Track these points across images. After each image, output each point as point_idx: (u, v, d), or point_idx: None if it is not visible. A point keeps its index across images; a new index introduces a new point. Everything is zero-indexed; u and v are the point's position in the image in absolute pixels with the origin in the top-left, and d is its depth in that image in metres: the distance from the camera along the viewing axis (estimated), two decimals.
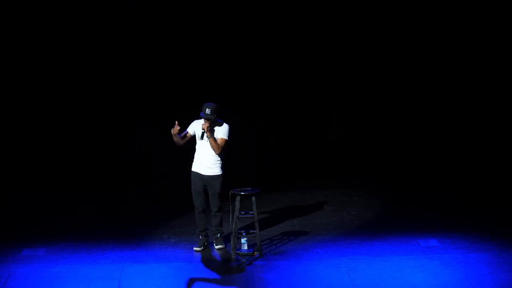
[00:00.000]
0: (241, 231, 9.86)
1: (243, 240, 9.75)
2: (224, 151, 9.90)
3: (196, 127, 9.92)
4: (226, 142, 9.87)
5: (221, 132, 9.86)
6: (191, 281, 9.01)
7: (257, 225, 9.75)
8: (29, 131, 14.25)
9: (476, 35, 14.55)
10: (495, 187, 13.13)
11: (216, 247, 10.03)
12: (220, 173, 9.95)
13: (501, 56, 14.55)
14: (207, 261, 9.65)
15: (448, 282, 8.73)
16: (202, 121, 9.84)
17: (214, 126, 9.83)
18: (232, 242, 9.74)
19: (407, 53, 14.72)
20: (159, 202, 12.74)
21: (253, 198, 9.76)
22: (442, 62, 14.74)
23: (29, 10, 14.00)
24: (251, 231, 9.84)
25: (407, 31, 14.62)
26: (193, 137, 9.99)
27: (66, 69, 14.30)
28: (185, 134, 9.93)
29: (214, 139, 9.76)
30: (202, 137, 9.82)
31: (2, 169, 13.93)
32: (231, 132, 9.92)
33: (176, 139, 9.87)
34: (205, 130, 9.73)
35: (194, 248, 10.01)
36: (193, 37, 14.44)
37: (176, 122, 9.77)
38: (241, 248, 9.75)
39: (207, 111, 9.71)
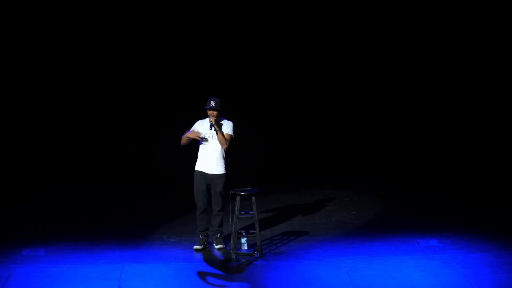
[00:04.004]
0: (241, 231, 9.86)
1: (243, 240, 9.75)
2: (230, 148, 9.94)
3: (199, 126, 9.96)
4: (232, 138, 9.93)
5: (227, 128, 9.93)
6: (191, 281, 9.01)
7: (257, 225, 9.75)
8: (26, 132, 14.27)
9: (476, 35, 14.56)
10: (495, 187, 13.13)
11: (216, 247, 10.03)
12: (224, 172, 9.99)
13: (501, 56, 14.55)
14: (207, 261, 9.65)
15: (448, 282, 8.72)
16: (206, 120, 9.89)
17: (220, 123, 9.88)
18: (232, 242, 9.74)
19: (407, 52, 14.72)
20: (159, 202, 12.74)
21: (253, 198, 9.76)
22: (441, 61, 14.75)
23: (29, 11, 14.01)
24: (251, 231, 9.84)
25: (406, 29, 14.62)
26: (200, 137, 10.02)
27: (73, 71, 14.33)
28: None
29: (222, 132, 9.81)
30: (211, 128, 9.84)
31: (2, 170, 13.95)
32: (236, 129, 9.97)
33: (185, 141, 9.91)
34: (213, 122, 9.77)
35: (194, 247, 10.01)
36: (194, 37, 14.46)
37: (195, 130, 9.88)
38: (241, 248, 9.75)
39: (212, 103, 9.79)
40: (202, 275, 9.18)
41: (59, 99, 14.36)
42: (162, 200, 12.87)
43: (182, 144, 9.99)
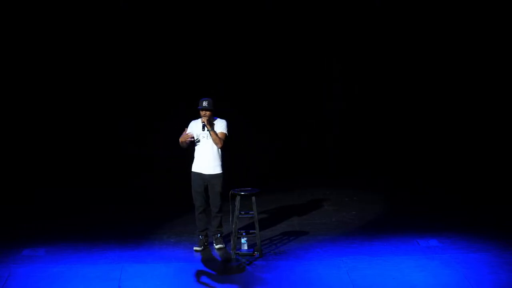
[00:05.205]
0: (241, 231, 9.86)
1: (243, 240, 9.75)
2: (226, 147, 9.93)
3: (194, 127, 9.95)
4: (226, 136, 9.91)
5: (220, 127, 9.90)
6: (191, 281, 9.01)
7: (257, 225, 9.75)
8: (26, 132, 14.27)
9: (476, 35, 14.56)
10: (495, 187, 13.13)
11: (216, 247, 10.03)
12: (220, 172, 9.97)
13: (501, 56, 14.55)
14: (207, 261, 9.65)
15: (448, 282, 8.72)
16: (199, 120, 9.89)
17: (212, 123, 9.87)
18: (232, 242, 9.74)
19: (407, 52, 14.73)
20: (159, 202, 12.74)
21: (253, 198, 9.75)
22: (441, 61, 14.75)
23: (28, 11, 14.01)
24: (251, 231, 9.84)
25: (406, 29, 14.63)
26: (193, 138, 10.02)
27: (73, 71, 14.34)
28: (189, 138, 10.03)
29: (215, 132, 9.80)
30: (203, 129, 9.84)
31: (2, 170, 13.95)
32: (229, 127, 9.95)
33: (183, 144, 9.94)
34: (205, 123, 9.76)
35: (194, 248, 10.02)
36: (194, 38, 14.46)
37: (187, 132, 9.86)
38: (241, 248, 9.75)
39: (205, 103, 9.77)
40: (202, 275, 9.18)
41: (59, 99, 14.37)
42: (162, 200, 12.87)
43: (182, 147, 10.01)
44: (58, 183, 13.77)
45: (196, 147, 10.01)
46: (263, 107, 14.75)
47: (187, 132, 9.91)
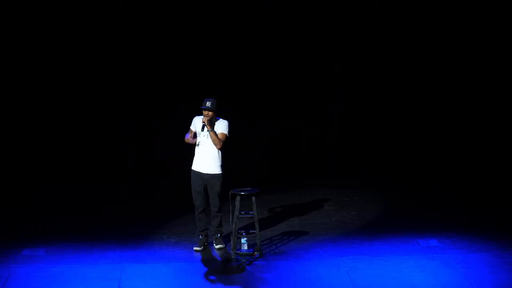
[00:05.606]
0: (241, 231, 9.87)
1: (243, 240, 9.75)
2: (224, 147, 9.92)
3: (197, 122, 9.94)
4: (227, 137, 9.89)
5: (221, 127, 9.89)
6: (191, 281, 9.01)
7: (257, 225, 9.75)
8: (26, 132, 14.28)
9: (476, 35, 14.56)
10: (495, 187, 13.13)
11: (216, 247, 10.03)
12: (220, 173, 9.96)
13: (501, 56, 14.55)
14: (207, 261, 9.65)
15: (448, 282, 8.73)
16: (202, 117, 9.89)
17: (214, 123, 9.86)
18: (232, 242, 9.74)
19: (407, 52, 14.73)
20: (159, 202, 12.74)
21: (253, 198, 9.76)
22: (441, 61, 14.75)
23: (29, 11, 14.02)
24: (251, 231, 9.84)
25: (406, 28, 14.63)
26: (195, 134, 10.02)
27: (73, 71, 14.34)
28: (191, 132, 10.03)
29: (215, 132, 9.79)
30: (202, 129, 9.84)
31: (2, 170, 13.95)
32: (231, 128, 9.94)
33: (189, 140, 9.98)
34: (206, 123, 9.75)
35: (194, 248, 10.02)
36: (194, 37, 14.46)
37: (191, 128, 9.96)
38: (241, 248, 9.75)
39: (208, 103, 9.76)
40: (202, 275, 9.18)
41: (59, 99, 14.37)
42: (162, 200, 12.87)
43: (186, 142, 10.04)
44: (58, 183, 13.77)
45: (196, 146, 10.01)
46: (263, 107, 14.75)
47: (194, 127, 9.94)
